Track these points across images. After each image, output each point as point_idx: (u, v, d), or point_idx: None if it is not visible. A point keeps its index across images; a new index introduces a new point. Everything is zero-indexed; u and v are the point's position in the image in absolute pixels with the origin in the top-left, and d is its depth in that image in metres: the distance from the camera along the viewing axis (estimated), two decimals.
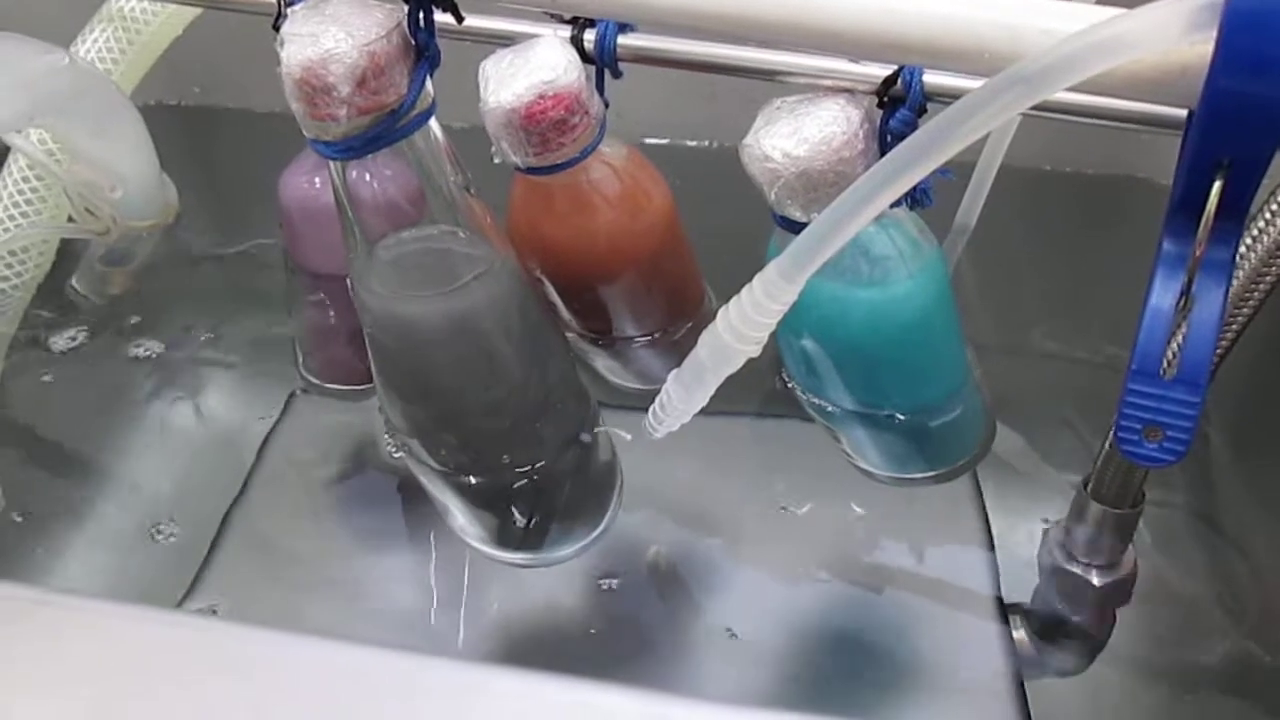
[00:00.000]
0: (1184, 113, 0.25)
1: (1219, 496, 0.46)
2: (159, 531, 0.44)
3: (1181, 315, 0.24)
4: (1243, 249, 0.32)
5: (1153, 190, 0.57)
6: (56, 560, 0.43)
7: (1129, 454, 0.24)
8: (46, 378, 0.50)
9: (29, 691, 0.27)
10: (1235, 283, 0.32)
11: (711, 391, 0.29)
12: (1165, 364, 0.24)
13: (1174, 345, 0.24)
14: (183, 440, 0.48)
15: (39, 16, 0.43)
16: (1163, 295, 0.24)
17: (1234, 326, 0.33)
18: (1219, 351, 0.33)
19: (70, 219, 0.47)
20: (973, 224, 0.43)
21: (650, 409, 0.31)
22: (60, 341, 0.51)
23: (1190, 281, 0.24)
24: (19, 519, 0.44)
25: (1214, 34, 0.21)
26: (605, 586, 0.42)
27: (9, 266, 0.47)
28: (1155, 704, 0.40)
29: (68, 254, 0.50)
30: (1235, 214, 0.23)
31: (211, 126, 0.65)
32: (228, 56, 0.61)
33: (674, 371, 0.29)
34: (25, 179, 0.46)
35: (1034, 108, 0.23)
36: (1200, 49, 0.22)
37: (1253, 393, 0.47)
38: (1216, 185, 0.23)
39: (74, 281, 0.52)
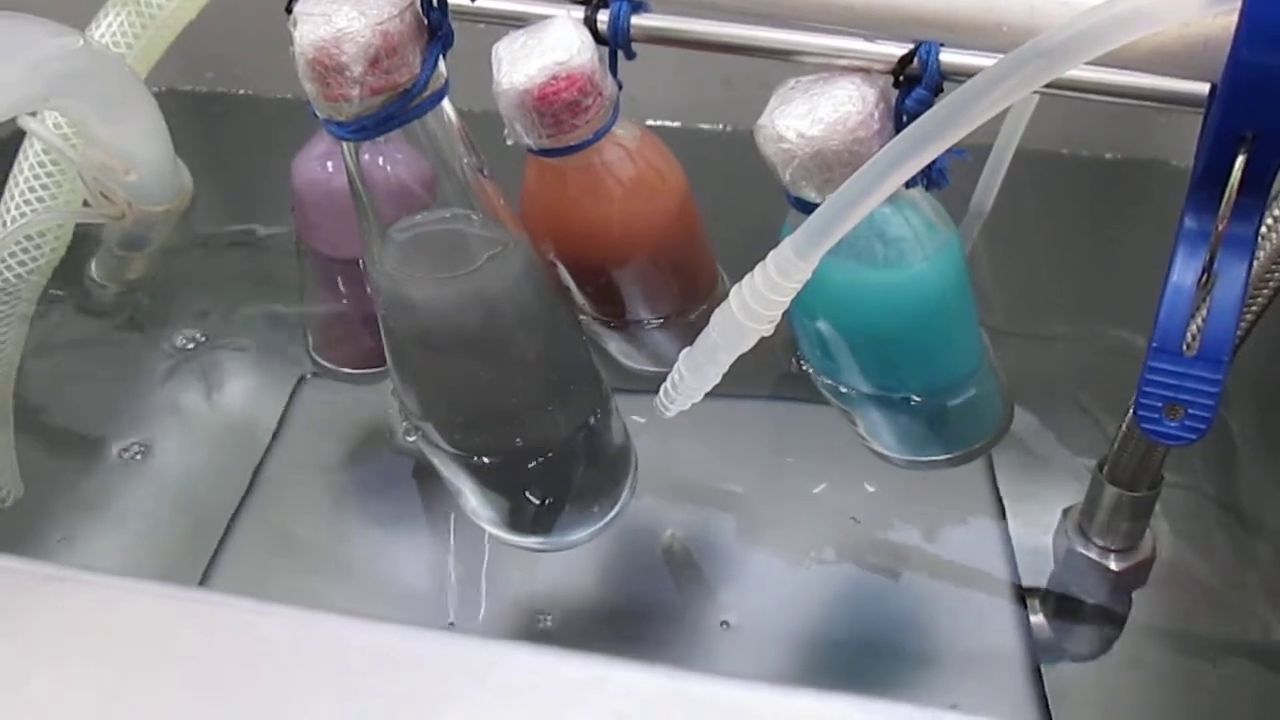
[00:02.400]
0: (1205, 89, 0.24)
1: (1237, 480, 0.45)
2: (174, 514, 0.45)
3: (1203, 293, 0.23)
4: (1264, 228, 0.31)
5: (1169, 173, 0.56)
6: (72, 542, 0.43)
7: (1150, 432, 0.24)
8: (62, 362, 0.51)
9: (45, 667, 0.27)
10: (1257, 262, 0.32)
11: (724, 370, 0.29)
12: (1187, 342, 0.23)
13: (1195, 323, 0.24)
14: (197, 423, 0.49)
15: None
16: (1184, 272, 0.23)
17: (1255, 306, 0.32)
18: (1240, 330, 0.33)
19: (85, 203, 0.47)
20: (989, 207, 0.42)
21: (662, 388, 0.30)
22: (76, 326, 0.52)
23: (1212, 258, 0.23)
24: (34, 501, 0.45)
25: (1237, 5, 0.20)
26: (619, 570, 0.42)
27: (25, 251, 0.48)
28: (1173, 688, 0.39)
29: (84, 238, 0.50)
30: (1258, 189, 0.23)
31: (224, 112, 0.65)
32: (240, 43, 0.61)
33: (686, 350, 0.29)
34: (40, 164, 0.46)
35: (1052, 85, 0.23)
36: (1223, 21, 0.21)
37: (1272, 375, 0.46)
38: (1239, 160, 0.22)
39: (92, 269, 0.53)
